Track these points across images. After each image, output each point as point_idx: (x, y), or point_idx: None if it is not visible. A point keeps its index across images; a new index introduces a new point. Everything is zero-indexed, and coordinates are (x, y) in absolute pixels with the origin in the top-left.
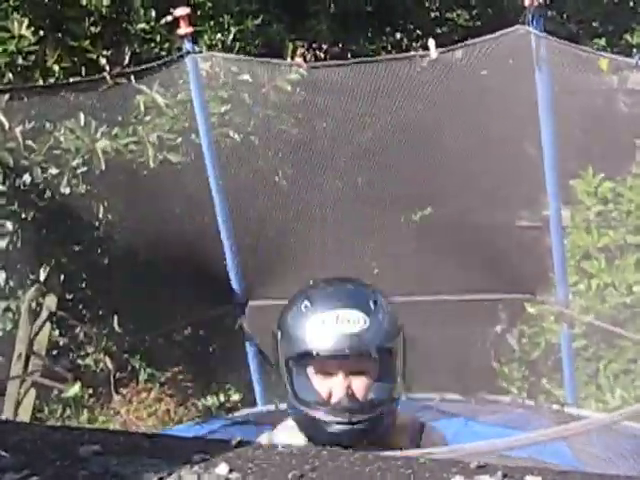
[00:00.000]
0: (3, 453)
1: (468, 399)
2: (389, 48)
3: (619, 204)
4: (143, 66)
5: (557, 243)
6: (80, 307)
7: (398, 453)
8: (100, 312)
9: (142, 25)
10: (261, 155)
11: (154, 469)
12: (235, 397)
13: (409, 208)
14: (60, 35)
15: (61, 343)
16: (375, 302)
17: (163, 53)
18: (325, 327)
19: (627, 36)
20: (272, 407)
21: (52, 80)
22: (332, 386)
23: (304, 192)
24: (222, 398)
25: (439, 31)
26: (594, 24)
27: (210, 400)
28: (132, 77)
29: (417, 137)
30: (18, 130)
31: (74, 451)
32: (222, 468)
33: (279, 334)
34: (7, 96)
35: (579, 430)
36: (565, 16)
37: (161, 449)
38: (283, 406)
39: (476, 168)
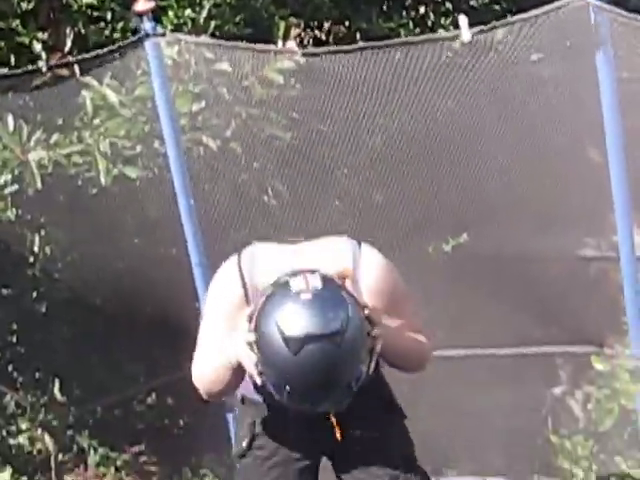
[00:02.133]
0: None
1: None
2: (410, 27)
3: None
4: (90, 53)
5: (631, 278)
6: (10, 369)
7: None
8: (37, 375)
9: None
10: (244, 167)
11: None
12: None
13: (438, 235)
14: None
15: None
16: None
17: (116, 36)
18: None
19: None
20: None
21: None
22: None
23: (300, 215)
24: None
25: (473, 3)
26: None
27: None
28: (76, 67)
29: (446, 143)
30: None
31: None
32: None
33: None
34: None
35: None
36: None
37: None
38: None
39: (525, 182)
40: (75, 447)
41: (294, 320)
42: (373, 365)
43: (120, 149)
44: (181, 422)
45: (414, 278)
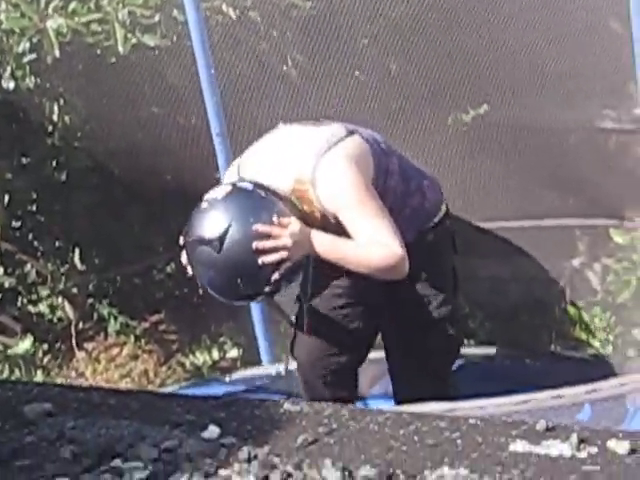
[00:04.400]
0: None
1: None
2: None
3: None
4: None
5: None
6: (30, 237)
7: (441, 407)
8: (57, 244)
9: None
10: (264, 36)
11: (122, 433)
12: (233, 353)
13: (458, 105)
14: None
15: (6, 284)
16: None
17: None
18: None
19: None
20: (282, 367)
21: None
22: None
23: (320, 84)
24: (216, 355)
25: None
26: None
27: (201, 357)
28: None
29: (468, 13)
30: None
31: (18, 411)
32: (211, 431)
33: None
34: None
35: None
36: None
37: (131, 408)
38: (295, 365)
39: (544, 51)
40: (95, 315)
41: (189, 226)
42: (285, 271)
43: (138, 17)
44: (200, 291)
45: (434, 149)
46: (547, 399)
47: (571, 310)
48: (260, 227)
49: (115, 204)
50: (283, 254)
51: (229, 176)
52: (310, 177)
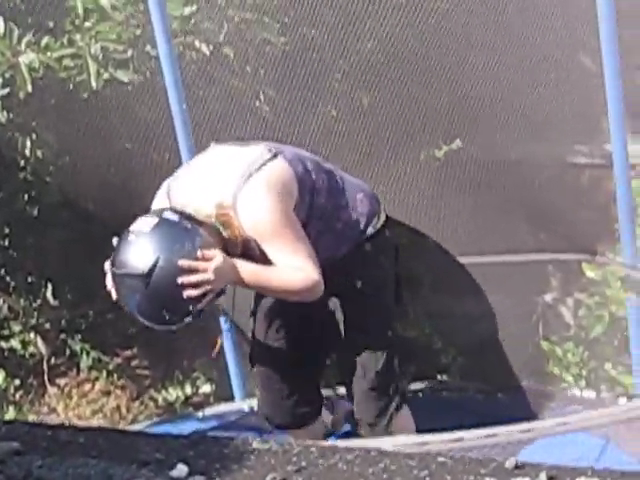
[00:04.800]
0: None
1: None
2: None
3: None
4: None
5: (623, 186)
6: (2, 272)
7: (411, 440)
8: (29, 279)
9: None
10: (237, 72)
11: (89, 472)
12: (205, 389)
13: (430, 141)
14: None
15: None
16: None
17: None
18: None
19: None
20: (254, 402)
21: None
22: None
23: (292, 119)
24: (189, 390)
25: None
26: None
27: (173, 393)
28: None
29: (438, 47)
30: None
31: None
32: (180, 469)
33: None
34: None
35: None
36: None
37: (100, 447)
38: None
39: (518, 88)
40: (67, 351)
41: (116, 255)
42: (208, 301)
43: (111, 53)
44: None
45: (405, 185)
46: (516, 432)
47: (544, 345)
48: (185, 263)
49: (87, 239)
50: (207, 287)
51: (159, 196)
52: (231, 203)
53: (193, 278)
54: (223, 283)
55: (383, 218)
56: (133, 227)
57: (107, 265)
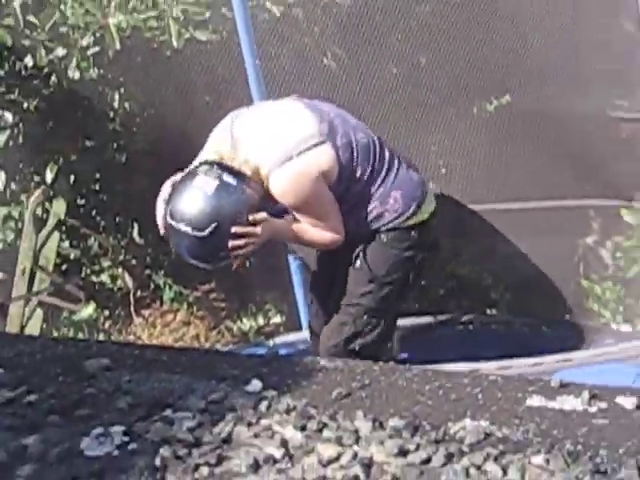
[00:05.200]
0: None
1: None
2: None
3: None
4: None
5: None
6: (93, 214)
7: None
8: (117, 220)
9: None
10: (306, 32)
11: (173, 386)
12: (276, 319)
13: (482, 96)
14: None
15: (72, 256)
16: None
17: None
18: None
19: None
20: None
21: None
22: None
23: (356, 76)
24: (261, 321)
25: None
26: None
27: (247, 323)
28: None
29: (490, 11)
30: (17, 3)
31: (79, 366)
32: (254, 385)
33: None
34: None
35: None
36: None
37: (182, 364)
38: None
39: (562, 46)
40: (152, 285)
41: (174, 206)
42: (248, 253)
43: (191, 14)
44: (247, 263)
45: (460, 136)
46: (558, 361)
47: (585, 283)
48: (238, 230)
49: None
50: (251, 246)
51: (221, 128)
52: (266, 174)
53: (242, 241)
54: (264, 240)
55: (415, 219)
56: (196, 182)
57: (161, 204)
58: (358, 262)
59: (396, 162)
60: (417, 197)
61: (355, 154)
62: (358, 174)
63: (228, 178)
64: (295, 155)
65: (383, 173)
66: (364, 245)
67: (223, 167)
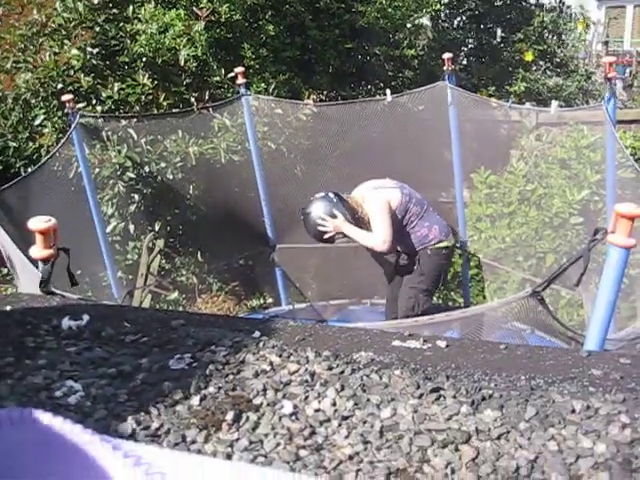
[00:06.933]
0: (126, 324)
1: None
2: (363, 94)
3: (498, 189)
4: (217, 102)
5: (461, 211)
6: (178, 246)
7: (378, 324)
8: (190, 249)
9: (216, 78)
10: (286, 157)
11: (217, 333)
12: (269, 300)
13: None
14: (167, 84)
15: (166, 267)
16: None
17: (229, 95)
18: None
19: (507, 87)
20: (290, 307)
21: (162, 110)
22: None
23: (311, 178)
24: (261, 301)
25: (393, 84)
26: (488, 79)
27: (254, 302)
28: (210, 109)
29: (377, 147)
30: (142, 141)
31: (169, 323)
32: (256, 333)
33: None
34: (135, 120)
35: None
36: (470, 75)
37: (223, 323)
38: (298, 306)
39: (414, 166)
40: (206, 282)
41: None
42: (330, 236)
43: (230, 147)
44: (254, 272)
45: None
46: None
47: None
48: (321, 218)
49: (215, 232)
50: (330, 231)
51: (360, 189)
52: (361, 200)
53: (322, 227)
54: (337, 230)
55: (444, 244)
56: (318, 196)
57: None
58: (415, 265)
59: (431, 210)
60: (445, 232)
61: (411, 199)
62: (410, 210)
63: (331, 195)
64: (382, 189)
65: (424, 213)
66: (418, 256)
67: (335, 193)
